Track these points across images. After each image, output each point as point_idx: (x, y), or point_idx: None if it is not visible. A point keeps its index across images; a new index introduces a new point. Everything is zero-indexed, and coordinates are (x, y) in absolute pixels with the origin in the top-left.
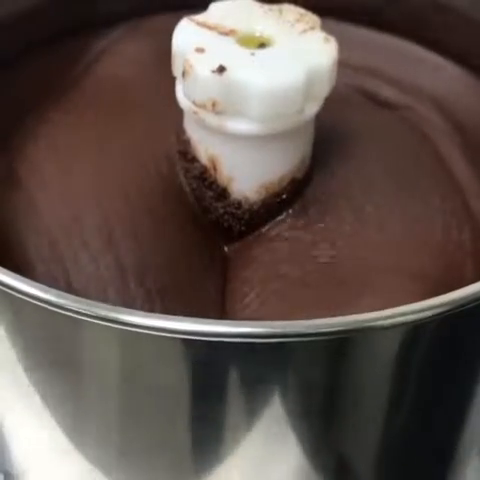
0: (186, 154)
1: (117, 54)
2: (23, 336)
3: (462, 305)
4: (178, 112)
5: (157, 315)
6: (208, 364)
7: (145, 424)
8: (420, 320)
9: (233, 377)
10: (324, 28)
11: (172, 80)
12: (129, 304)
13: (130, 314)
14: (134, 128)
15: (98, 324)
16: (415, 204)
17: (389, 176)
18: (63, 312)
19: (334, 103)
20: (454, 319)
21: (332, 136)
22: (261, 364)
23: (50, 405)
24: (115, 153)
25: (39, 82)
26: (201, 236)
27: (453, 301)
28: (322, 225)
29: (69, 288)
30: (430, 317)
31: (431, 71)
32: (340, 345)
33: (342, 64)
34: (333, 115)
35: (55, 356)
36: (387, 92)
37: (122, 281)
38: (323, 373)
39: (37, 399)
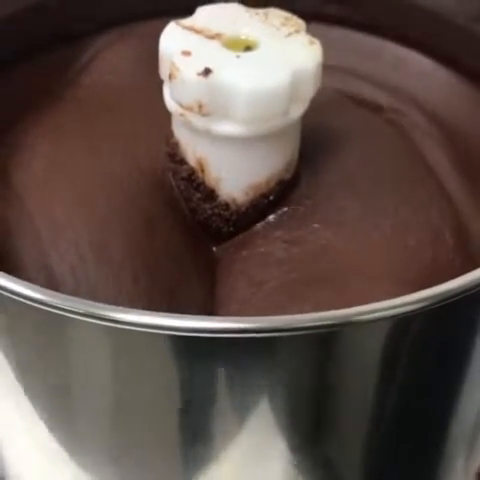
0: (174, 156)
1: (108, 58)
2: (12, 337)
3: (444, 299)
4: (167, 115)
5: (142, 311)
6: (195, 361)
7: (135, 424)
8: (404, 314)
9: (221, 373)
10: (310, 31)
11: (161, 84)
12: (117, 304)
13: (116, 311)
14: (124, 131)
15: (86, 322)
16: (400, 207)
17: (375, 179)
18: (51, 310)
19: (321, 106)
20: (438, 313)
21: (319, 138)
22: (247, 360)
23: (41, 407)
24: (105, 155)
25: (32, 85)
26: (190, 237)
27: (435, 295)
28: (309, 226)
29: (57, 289)
30: (413, 311)
31: (418, 74)
32: (325, 340)
33: (329, 67)
34: (320, 118)
35: (45, 356)
36: (374, 95)
37: (110, 281)
38: (308, 368)
39: (27, 402)
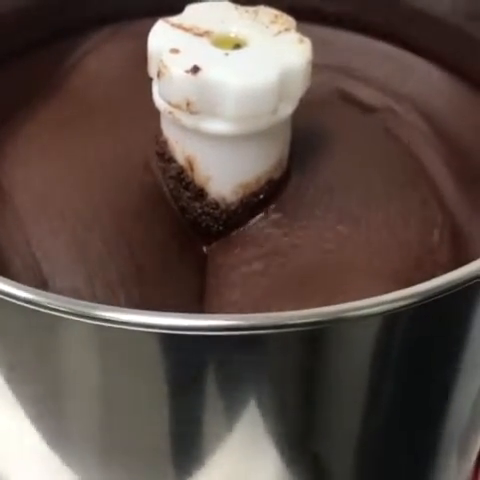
0: (163, 155)
1: (100, 57)
2: (1, 337)
3: (433, 296)
4: (156, 113)
5: (130, 310)
6: (184, 359)
7: (125, 425)
8: (393, 310)
9: (210, 372)
10: (304, 31)
11: (151, 82)
12: (105, 303)
13: (104, 310)
14: (113, 129)
15: (74, 321)
16: (391, 206)
17: (366, 177)
18: (40, 309)
19: (313, 105)
20: (427, 310)
21: (311, 137)
22: (237, 358)
23: (30, 408)
24: (95, 153)
25: (23, 83)
26: (180, 236)
27: (424, 291)
28: (299, 225)
29: (46, 289)
30: (402, 307)
31: (412, 74)
32: (315, 337)
33: (322, 66)
34: (312, 117)
35: (34, 357)
36: (367, 94)
37: (100, 280)
38: (298, 366)
39: (16, 403)
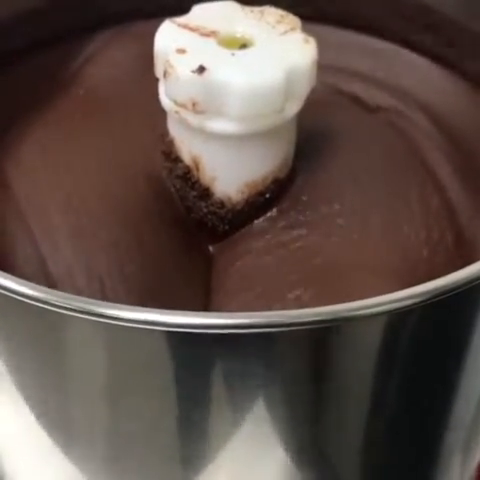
0: (170, 154)
1: (105, 58)
2: (6, 336)
3: (439, 295)
4: (163, 113)
5: (137, 308)
6: (193, 358)
7: (132, 423)
8: (399, 309)
9: (216, 370)
10: (310, 31)
11: (157, 82)
12: (110, 301)
13: (111, 308)
14: (120, 129)
15: (81, 319)
16: (397, 205)
17: (371, 177)
18: (46, 307)
19: (318, 105)
20: (432, 309)
21: (316, 137)
22: (245, 356)
23: (36, 407)
24: (102, 154)
25: (29, 85)
26: (185, 235)
27: (430, 291)
28: (305, 224)
29: (51, 285)
30: (408, 306)
31: (416, 73)
32: (322, 335)
33: (326, 66)
34: (317, 117)
35: (39, 355)
36: (372, 94)
37: (106, 280)
38: (306, 365)
39: (23, 401)
